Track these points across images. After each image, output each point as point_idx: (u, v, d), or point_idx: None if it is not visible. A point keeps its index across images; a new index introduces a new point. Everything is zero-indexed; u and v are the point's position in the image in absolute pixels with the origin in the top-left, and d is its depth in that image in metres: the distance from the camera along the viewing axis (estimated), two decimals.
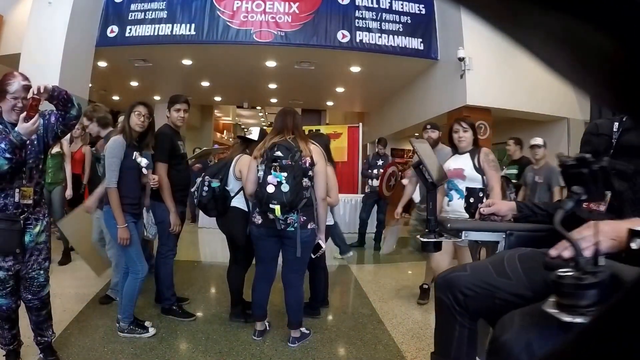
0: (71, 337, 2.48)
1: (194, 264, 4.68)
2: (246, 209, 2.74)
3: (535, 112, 6.26)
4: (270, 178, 2.25)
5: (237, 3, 6.40)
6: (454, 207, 2.57)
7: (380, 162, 5.63)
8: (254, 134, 2.90)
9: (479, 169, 2.61)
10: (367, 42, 6.49)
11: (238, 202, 2.77)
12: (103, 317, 2.81)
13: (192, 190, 2.84)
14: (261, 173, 2.30)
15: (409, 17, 6.64)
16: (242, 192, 2.74)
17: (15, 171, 1.85)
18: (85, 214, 3.12)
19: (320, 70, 7.58)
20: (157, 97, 9.73)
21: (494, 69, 5.99)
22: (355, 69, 7.56)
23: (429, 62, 6.87)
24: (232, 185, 2.77)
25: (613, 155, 1.16)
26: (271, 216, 2.30)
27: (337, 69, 7.63)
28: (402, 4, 6.63)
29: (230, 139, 15.82)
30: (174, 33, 6.37)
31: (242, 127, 19.07)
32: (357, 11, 6.50)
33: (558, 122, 6.67)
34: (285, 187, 2.23)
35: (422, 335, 2.70)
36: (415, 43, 6.65)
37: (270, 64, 7.46)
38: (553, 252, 0.87)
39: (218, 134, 15.94)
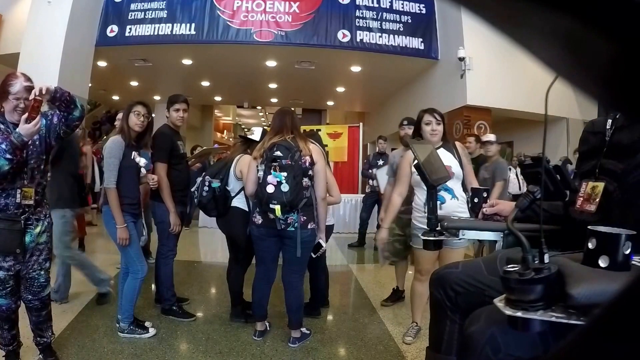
0: (71, 338, 2.47)
1: (194, 264, 4.68)
2: (247, 209, 2.74)
3: (535, 112, 6.26)
4: (270, 178, 2.25)
5: (237, 2, 6.40)
6: (448, 208, 2.37)
7: (380, 162, 5.61)
8: (256, 134, 2.90)
9: (461, 166, 2.48)
10: (368, 41, 6.49)
11: (239, 202, 2.76)
12: (103, 318, 2.81)
13: (193, 190, 2.83)
14: (261, 173, 2.30)
15: (409, 17, 6.64)
16: (243, 192, 2.74)
17: (16, 171, 1.85)
18: None
19: (320, 70, 7.58)
20: (157, 97, 9.74)
21: (494, 69, 6.00)
22: (355, 68, 7.55)
23: (429, 62, 6.87)
24: (233, 185, 2.76)
25: (605, 154, 1.15)
26: (271, 216, 2.30)
27: (338, 69, 7.63)
28: (402, 4, 6.63)
29: (231, 139, 15.83)
30: (174, 33, 6.36)
31: (243, 127, 19.09)
32: (357, 11, 6.50)
33: (558, 122, 6.67)
34: (285, 187, 2.23)
35: (423, 336, 2.70)
36: (416, 43, 6.65)
37: (271, 63, 7.46)
38: None
39: (218, 134, 15.96)
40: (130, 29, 6.42)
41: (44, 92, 1.79)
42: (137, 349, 2.38)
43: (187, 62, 7.43)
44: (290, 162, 2.26)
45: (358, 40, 6.46)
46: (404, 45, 6.59)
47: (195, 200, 2.79)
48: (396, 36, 6.55)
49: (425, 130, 2.51)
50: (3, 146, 1.74)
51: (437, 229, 1.35)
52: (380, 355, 2.46)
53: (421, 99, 7.60)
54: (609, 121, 1.19)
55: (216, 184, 2.72)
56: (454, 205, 2.41)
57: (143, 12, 6.44)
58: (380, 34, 6.50)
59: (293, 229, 2.33)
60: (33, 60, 5.29)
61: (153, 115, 2.76)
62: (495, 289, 1.10)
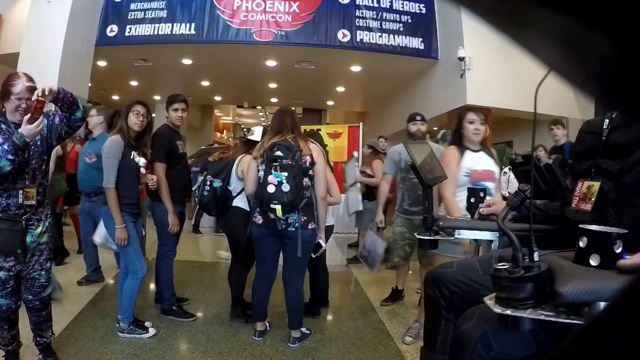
0: (70, 338, 2.47)
1: (194, 264, 4.68)
2: (248, 209, 2.74)
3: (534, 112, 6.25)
4: (270, 178, 2.24)
5: (237, 2, 6.39)
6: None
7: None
8: (256, 134, 2.88)
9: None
10: (368, 41, 6.48)
11: (240, 201, 2.76)
12: (103, 318, 2.81)
13: (193, 189, 2.83)
14: (262, 173, 2.29)
15: (409, 17, 6.63)
16: (244, 192, 2.73)
17: (18, 172, 1.84)
18: None
19: (320, 70, 7.58)
20: (157, 97, 9.73)
21: (494, 69, 5.99)
22: (355, 68, 7.55)
23: (429, 62, 6.86)
24: (235, 185, 2.76)
25: (601, 154, 1.15)
26: (272, 216, 2.30)
27: (338, 69, 7.63)
28: (402, 4, 6.62)
29: (230, 139, 15.82)
30: (173, 32, 6.36)
31: (242, 127, 19.07)
32: (357, 10, 6.49)
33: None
34: (285, 187, 2.22)
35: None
36: (416, 43, 6.64)
37: (271, 63, 7.46)
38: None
39: (218, 134, 15.94)
40: (130, 28, 6.41)
41: (46, 93, 1.78)
42: (136, 349, 2.38)
43: (187, 62, 7.43)
44: (291, 162, 2.25)
45: (358, 40, 6.45)
46: (404, 45, 6.58)
47: (196, 199, 2.78)
48: (396, 36, 6.55)
49: (468, 129, 2.33)
50: (5, 147, 1.74)
51: (433, 228, 1.36)
52: (380, 355, 2.46)
53: (421, 98, 7.60)
54: (606, 121, 1.19)
55: (218, 183, 2.71)
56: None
57: (143, 12, 6.43)
58: (380, 34, 6.49)
59: (293, 229, 2.33)
60: (33, 60, 5.28)
61: (153, 115, 2.76)
62: (489, 288, 1.10)
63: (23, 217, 1.90)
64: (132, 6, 6.44)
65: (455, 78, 6.22)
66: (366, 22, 6.49)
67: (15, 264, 1.91)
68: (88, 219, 3.41)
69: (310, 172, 2.34)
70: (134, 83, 9.02)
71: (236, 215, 2.76)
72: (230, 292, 2.91)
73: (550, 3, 0.19)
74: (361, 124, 8.34)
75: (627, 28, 0.18)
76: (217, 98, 11.19)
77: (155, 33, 6.38)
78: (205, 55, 7.09)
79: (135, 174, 2.54)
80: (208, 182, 2.72)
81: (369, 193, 4.35)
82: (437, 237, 1.36)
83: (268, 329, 2.67)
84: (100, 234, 2.62)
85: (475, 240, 1.48)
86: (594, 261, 0.79)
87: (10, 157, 1.75)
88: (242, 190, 2.73)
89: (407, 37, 6.59)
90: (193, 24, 6.34)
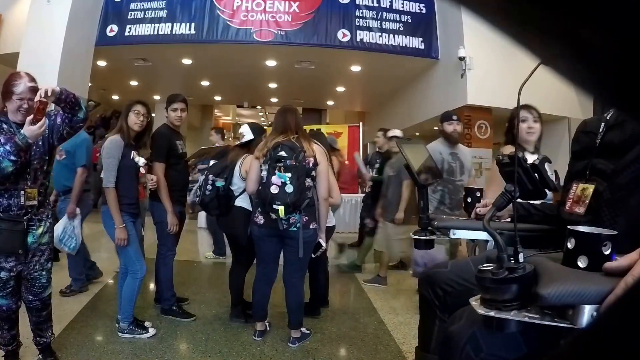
0: (70, 338, 2.47)
1: (194, 264, 4.68)
2: (250, 209, 2.73)
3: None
4: (274, 179, 2.23)
5: (237, 2, 6.39)
6: None
7: (379, 161, 5.55)
8: (246, 135, 2.86)
9: None
10: (368, 41, 6.48)
11: (242, 201, 2.75)
12: (102, 318, 2.80)
13: (194, 189, 2.82)
14: (265, 173, 2.28)
15: (409, 17, 6.63)
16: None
17: (19, 172, 1.84)
18: None
19: (320, 70, 7.58)
20: (157, 97, 9.73)
21: (494, 69, 5.99)
22: (355, 68, 7.55)
23: (430, 62, 6.86)
24: (237, 185, 2.75)
25: (596, 154, 1.15)
26: (273, 216, 2.29)
27: (338, 69, 7.63)
28: (402, 3, 6.62)
29: (230, 139, 15.81)
30: (173, 32, 6.36)
31: (240, 123, 19.04)
32: (357, 10, 6.49)
33: (559, 121, 6.67)
34: (289, 188, 2.21)
35: None
36: (416, 42, 6.64)
37: (271, 63, 7.46)
38: None
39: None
40: (130, 28, 6.41)
41: (49, 94, 1.77)
42: (136, 349, 2.38)
43: (186, 61, 7.43)
44: (295, 162, 2.24)
45: (358, 40, 6.45)
46: (404, 45, 6.58)
47: (197, 199, 2.77)
48: (396, 36, 6.54)
49: (521, 129, 2.13)
50: (7, 147, 1.74)
51: (428, 228, 1.35)
52: (380, 355, 2.46)
53: (421, 98, 7.60)
54: (603, 122, 1.18)
55: (220, 182, 2.71)
56: None
57: (143, 12, 6.43)
58: (380, 34, 6.49)
59: (295, 229, 2.33)
60: (32, 59, 5.27)
61: (153, 115, 2.76)
62: None
63: (24, 218, 1.90)
64: (132, 6, 6.45)
65: (456, 78, 6.22)
66: (366, 22, 6.49)
67: (16, 264, 1.91)
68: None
69: (313, 172, 2.34)
70: (133, 83, 9.03)
71: (238, 215, 2.75)
72: (230, 293, 2.90)
73: (550, 2, 0.18)
74: (361, 123, 8.36)
75: (626, 27, 0.18)
76: (217, 98, 11.19)
77: (155, 33, 6.38)
78: (205, 55, 7.09)
79: (134, 174, 2.54)
80: (210, 182, 2.71)
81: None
82: (433, 237, 1.37)
83: (268, 329, 2.67)
84: (57, 234, 2.62)
85: (472, 240, 1.48)
86: (582, 263, 0.78)
87: (12, 158, 1.74)
88: (244, 190, 2.73)
89: (407, 37, 6.59)
90: (193, 24, 6.34)
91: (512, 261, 0.77)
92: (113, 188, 2.40)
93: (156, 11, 6.41)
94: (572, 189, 1.18)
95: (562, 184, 1.29)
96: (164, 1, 6.40)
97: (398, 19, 6.58)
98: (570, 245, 0.80)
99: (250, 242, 2.63)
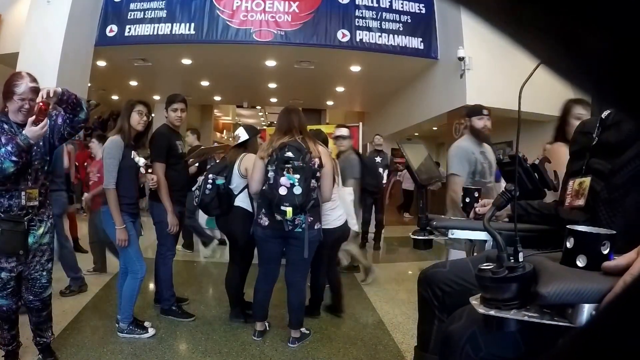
0: (70, 338, 2.47)
1: (194, 264, 4.68)
2: (250, 209, 2.73)
3: (535, 112, 6.26)
4: (283, 180, 2.21)
5: (237, 2, 6.40)
6: None
7: (378, 160, 5.52)
8: (242, 136, 2.86)
9: None
10: (367, 41, 6.49)
11: (241, 201, 2.75)
12: (102, 318, 2.80)
13: (194, 189, 2.81)
14: (271, 174, 2.26)
15: (409, 17, 6.64)
16: (245, 190, 2.73)
17: (20, 173, 1.84)
18: None
19: (320, 70, 7.58)
20: (156, 97, 9.73)
21: (493, 69, 5.99)
22: (355, 68, 7.55)
23: (429, 62, 6.87)
24: (237, 184, 2.75)
25: (593, 153, 1.15)
26: (278, 218, 2.27)
27: (337, 69, 7.63)
28: (402, 3, 6.63)
29: (230, 139, 15.81)
30: (173, 32, 6.37)
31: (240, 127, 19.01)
32: (357, 10, 6.50)
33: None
34: (298, 190, 2.20)
35: None
36: (416, 42, 6.65)
37: (270, 63, 7.46)
38: None
39: (218, 134, 15.95)
40: (129, 28, 6.42)
41: (51, 95, 1.77)
42: (136, 349, 2.38)
43: (186, 61, 7.43)
44: (302, 163, 2.24)
45: (358, 40, 6.46)
46: (403, 45, 6.59)
47: (197, 199, 2.76)
48: (396, 36, 6.55)
49: (573, 126, 1.93)
50: (9, 148, 1.74)
51: (427, 228, 1.36)
52: (380, 355, 2.46)
53: (421, 99, 7.61)
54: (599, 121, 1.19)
55: (221, 180, 2.70)
56: None
57: (142, 12, 6.44)
58: (379, 34, 6.50)
59: (300, 230, 2.32)
60: (32, 60, 5.28)
61: (153, 115, 2.76)
62: None
63: (25, 218, 1.90)
64: (132, 6, 6.45)
65: (455, 78, 6.23)
66: (366, 22, 6.50)
67: (17, 264, 1.91)
68: None
69: (318, 174, 2.34)
70: (133, 83, 9.03)
71: (237, 215, 2.74)
72: (227, 294, 2.89)
73: (549, 2, 0.19)
74: (361, 124, 8.34)
75: (625, 27, 0.18)
76: (217, 98, 11.20)
77: (155, 33, 6.39)
78: (204, 55, 7.09)
79: (134, 174, 2.54)
80: (210, 181, 2.70)
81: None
82: (431, 237, 1.37)
83: (267, 329, 2.67)
84: None
85: (470, 240, 1.49)
86: (580, 262, 0.78)
87: (14, 158, 1.74)
88: (244, 188, 2.73)
89: (407, 37, 6.60)
90: (192, 24, 6.35)
91: (512, 260, 0.77)
92: (114, 189, 2.40)
93: (156, 11, 6.41)
94: (569, 185, 1.19)
95: (561, 184, 1.30)
96: (164, 1, 6.40)
97: (397, 19, 6.59)
98: (569, 244, 0.80)
99: (248, 242, 2.63)
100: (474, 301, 0.80)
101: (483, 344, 0.88)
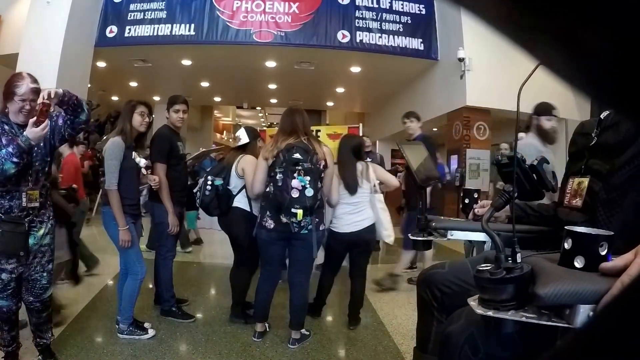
0: (70, 339, 2.47)
1: (194, 265, 4.68)
2: (248, 209, 2.73)
3: None
4: (295, 182, 2.19)
5: (237, 3, 6.40)
6: None
7: (369, 160, 5.52)
8: (242, 137, 2.87)
9: None
10: (367, 42, 6.49)
11: (239, 202, 2.76)
12: (102, 319, 2.80)
13: (194, 190, 2.82)
14: (280, 176, 2.23)
15: (409, 17, 6.64)
16: (243, 191, 2.73)
17: (21, 174, 1.84)
18: None
19: (320, 71, 7.59)
20: (156, 98, 9.73)
21: (493, 70, 6.00)
22: (355, 69, 7.56)
23: (429, 63, 6.88)
24: (235, 184, 2.76)
25: (592, 154, 1.15)
26: (284, 220, 2.26)
27: (337, 69, 7.64)
28: (402, 4, 6.63)
29: (230, 139, 15.82)
30: (173, 33, 6.37)
31: (241, 127, 19.03)
32: (357, 11, 6.50)
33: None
34: (309, 192, 2.19)
35: None
36: (416, 43, 6.66)
37: (270, 64, 7.46)
38: None
39: (218, 135, 15.94)
40: (129, 29, 6.42)
41: (52, 96, 1.77)
42: (136, 350, 2.38)
43: (186, 62, 7.43)
44: (310, 165, 2.23)
45: (358, 40, 6.46)
46: (403, 46, 6.60)
47: (198, 200, 2.77)
48: (396, 37, 6.56)
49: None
50: (10, 149, 1.74)
51: (426, 229, 1.36)
52: (379, 356, 2.46)
53: (421, 99, 7.61)
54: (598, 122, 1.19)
55: (219, 181, 2.72)
56: None
57: (142, 13, 6.44)
58: (379, 35, 6.51)
59: (307, 232, 2.32)
60: (32, 60, 5.28)
61: (153, 116, 2.76)
62: None
63: (26, 219, 1.90)
64: (132, 7, 6.46)
65: (455, 79, 6.23)
66: (366, 23, 6.50)
67: (17, 265, 1.91)
68: None
69: (322, 175, 2.34)
70: (133, 84, 9.03)
71: (237, 216, 2.75)
72: (232, 293, 2.90)
73: (550, 4, 0.19)
74: (361, 124, 8.34)
75: (625, 27, 0.18)
76: (217, 99, 11.20)
77: (155, 34, 6.39)
78: (204, 56, 7.10)
79: (135, 175, 2.53)
80: (209, 182, 2.72)
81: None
82: (431, 238, 1.37)
83: (268, 330, 2.66)
84: None
85: (469, 241, 1.49)
86: (578, 263, 0.78)
87: (15, 159, 1.74)
88: (241, 189, 2.74)
89: (407, 37, 6.60)
90: (192, 25, 6.35)
91: (510, 261, 0.77)
92: (116, 190, 2.40)
93: (156, 12, 6.42)
94: (568, 185, 1.19)
95: (559, 185, 1.30)
96: (164, 2, 6.41)
97: (398, 20, 6.60)
98: (567, 245, 0.80)
99: (253, 243, 2.63)
100: (472, 302, 0.80)
101: (481, 344, 0.89)
